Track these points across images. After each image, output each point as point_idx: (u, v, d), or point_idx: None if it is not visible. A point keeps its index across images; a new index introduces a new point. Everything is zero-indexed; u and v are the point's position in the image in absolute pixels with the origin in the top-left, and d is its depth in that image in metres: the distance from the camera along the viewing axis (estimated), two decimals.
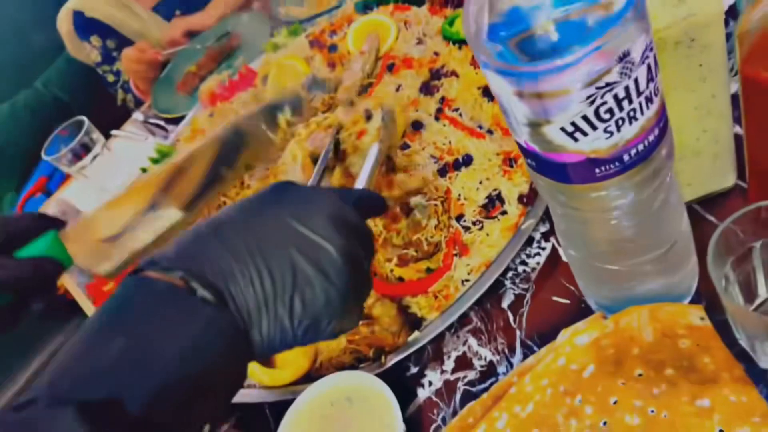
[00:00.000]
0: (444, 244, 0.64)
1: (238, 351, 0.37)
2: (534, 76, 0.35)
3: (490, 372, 0.60)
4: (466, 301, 0.62)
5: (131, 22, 1.46)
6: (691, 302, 0.54)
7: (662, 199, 0.46)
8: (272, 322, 0.38)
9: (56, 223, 0.51)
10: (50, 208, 1.27)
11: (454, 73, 0.77)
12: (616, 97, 0.36)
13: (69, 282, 0.88)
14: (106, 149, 1.18)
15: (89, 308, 0.87)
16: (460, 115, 0.74)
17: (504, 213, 0.66)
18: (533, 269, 0.65)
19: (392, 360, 0.62)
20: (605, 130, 0.38)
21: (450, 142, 0.69)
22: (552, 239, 0.66)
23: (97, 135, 1.18)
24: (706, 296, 0.54)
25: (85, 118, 1.16)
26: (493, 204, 0.66)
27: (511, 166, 0.69)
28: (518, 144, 0.43)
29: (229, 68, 1.28)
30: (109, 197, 1.06)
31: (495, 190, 0.67)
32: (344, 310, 0.40)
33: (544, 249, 0.66)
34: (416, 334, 0.62)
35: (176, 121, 1.24)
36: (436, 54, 0.80)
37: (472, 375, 0.61)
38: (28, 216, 0.52)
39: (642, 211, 0.45)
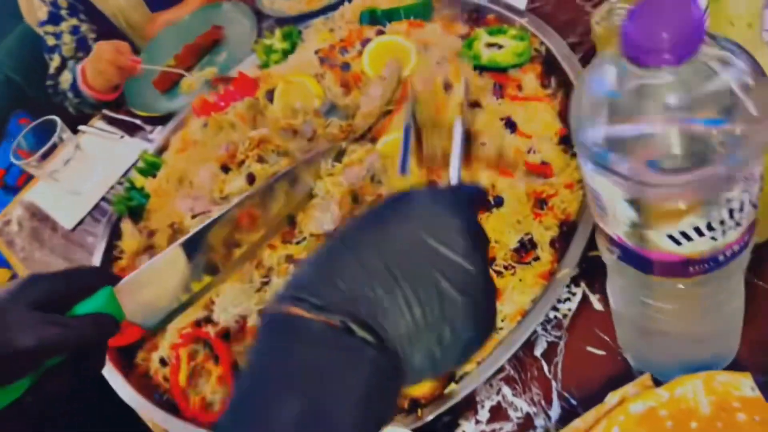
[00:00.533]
0: None
1: (397, 390, 0.35)
2: (655, 189, 0.34)
3: (527, 425, 0.60)
4: (502, 352, 0.61)
5: None
6: (734, 362, 0.55)
7: (735, 282, 0.46)
8: (424, 355, 0.35)
9: (112, 279, 0.50)
10: (16, 212, 1.18)
11: (477, 104, 0.75)
12: (731, 210, 0.35)
13: None
14: (78, 150, 1.10)
15: None
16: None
17: (536, 259, 0.65)
18: (564, 315, 0.65)
19: (429, 414, 0.61)
20: (711, 237, 0.37)
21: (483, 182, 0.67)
22: (582, 284, 0.66)
23: (68, 135, 1.09)
24: (752, 359, 0.55)
25: (57, 119, 1.07)
26: (525, 248, 0.65)
27: (542, 209, 0.68)
28: (601, 229, 0.42)
29: (212, 64, 1.21)
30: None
31: (527, 234, 0.66)
32: (489, 331, 0.38)
33: (574, 294, 0.66)
34: (453, 386, 0.61)
35: (155, 120, 1.16)
36: None
37: (509, 427, 0.61)
38: (86, 271, 0.50)
39: (715, 294, 0.45)
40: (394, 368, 0.34)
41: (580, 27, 0.89)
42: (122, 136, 1.17)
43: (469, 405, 0.63)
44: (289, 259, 0.69)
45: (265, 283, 0.70)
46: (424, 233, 0.36)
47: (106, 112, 1.25)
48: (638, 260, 0.41)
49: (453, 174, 0.50)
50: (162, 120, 1.16)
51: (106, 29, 1.37)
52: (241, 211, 0.57)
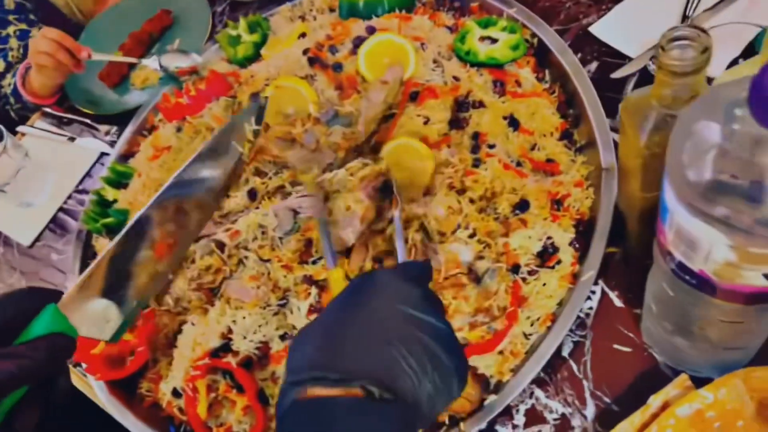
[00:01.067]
0: (509, 304, 0.63)
1: None
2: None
3: (564, 426, 0.62)
4: (537, 358, 0.63)
5: None
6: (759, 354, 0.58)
7: None
8: (426, 402, 0.40)
9: (53, 296, 0.47)
10: None
11: (481, 104, 0.74)
12: None
13: None
14: (27, 158, 1.00)
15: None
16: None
17: (559, 262, 0.66)
18: (587, 314, 0.67)
19: (472, 427, 0.61)
20: None
21: (504, 187, 0.67)
22: (601, 282, 0.68)
23: (12, 141, 0.99)
24: None
25: (2, 129, 0.96)
26: (548, 252, 0.66)
27: (558, 209, 0.68)
28: (679, 262, 0.43)
29: (164, 52, 1.12)
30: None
31: (549, 238, 0.66)
32: (466, 371, 0.44)
33: (594, 293, 0.68)
34: (493, 397, 0.62)
35: (104, 118, 1.07)
36: (456, 79, 0.76)
37: (546, 429, 0.63)
38: (18, 293, 0.47)
39: None
40: (413, 419, 0.39)
41: (561, 14, 0.89)
42: (72, 138, 1.07)
43: (504, 411, 0.64)
44: (307, 279, 0.66)
45: (282, 306, 0.67)
46: (398, 303, 0.42)
47: (46, 109, 1.14)
48: (708, 286, 0.42)
49: (400, 255, 0.60)
50: (114, 119, 1.07)
51: (59, 23, 1.23)
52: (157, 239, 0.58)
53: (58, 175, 1.03)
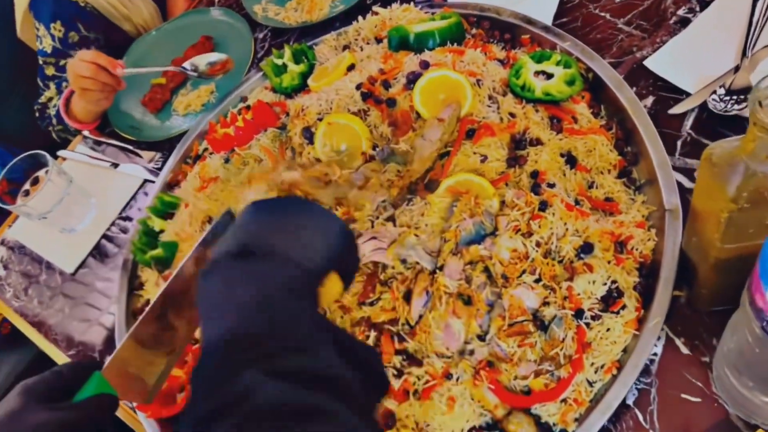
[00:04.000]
0: (575, 352, 0.61)
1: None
2: None
3: None
4: (602, 408, 0.61)
5: (118, 3, 1.23)
6: None
7: None
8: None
9: (95, 365, 0.54)
10: (2, 253, 1.07)
11: (538, 142, 0.73)
12: None
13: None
14: (71, 185, 0.99)
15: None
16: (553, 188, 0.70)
17: (624, 307, 0.64)
18: (651, 361, 0.65)
19: None
20: None
21: (567, 229, 0.65)
22: (665, 327, 0.66)
23: (57, 169, 0.98)
24: None
25: (46, 155, 0.96)
26: (612, 297, 0.64)
27: (622, 252, 0.67)
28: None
29: (210, 81, 1.12)
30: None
31: (613, 282, 0.65)
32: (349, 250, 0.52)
33: (659, 339, 0.66)
34: None
35: (149, 144, 1.07)
36: (512, 116, 0.75)
37: None
38: (72, 366, 0.54)
39: None
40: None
41: (614, 47, 0.87)
42: (115, 164, 1.07)
43: None
44: (365, 321, 0.65)
45: None
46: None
47: (86, 134, 1.15)
48: None
49: None
50: (156, 145, 1.07)
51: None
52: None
53: (101, 202, 1.03)
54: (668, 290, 0.64)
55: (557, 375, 0.63)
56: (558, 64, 0.79)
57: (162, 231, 0.88)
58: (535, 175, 0.71)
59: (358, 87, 0.80)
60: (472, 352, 0.62)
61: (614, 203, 0.71)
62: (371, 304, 0.66)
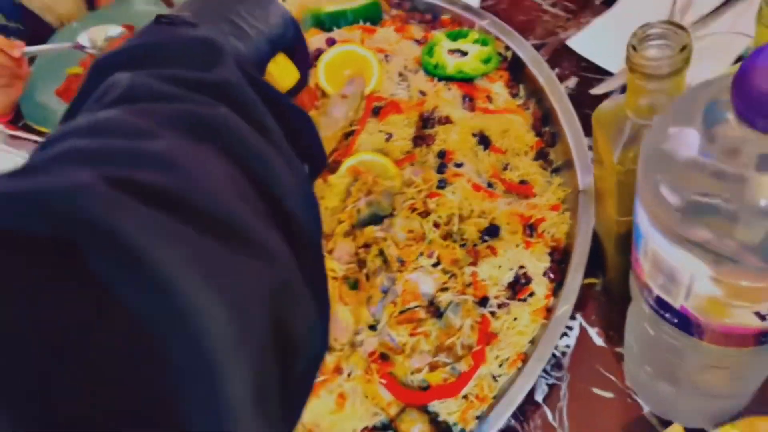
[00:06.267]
0: (476, 343, 0.56)
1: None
2: (757, 271, 0.28)
3: None
4: (504, 405, 0.55)
5: (55, 7, 1.16)
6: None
7: None
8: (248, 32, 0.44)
9: None
10: None
11: (448, 120, 0.68)
12: None
13: None
14: None
15: None
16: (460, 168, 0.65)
17: (532, 294, 0.59)
18: (563, 353, 0.60)
19: None
20: None
21: (472, 210, 0.60)
22: (579, 317, 0.61)
23: None
24: None
25: None
26: (519, 283, 0.59)
27: (531, 236, 0.62)
28: (659, 298, 0.36)
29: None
30: None
31: (521, 267, 0.60)
32: (294, 22, 0.48)
33: (571, 329, 0.61)
34: None
35: None
36: (423, 93, 0.70)
37: None
38: None
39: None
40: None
41: (538, 28, 0.83)
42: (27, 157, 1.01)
43: None
44: None
45: None
46: None
47: (2, 128, 1.08)
48: (691, 326, 0.35)
49: None
50: None
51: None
52: None
53: None
54: (579, 276, 0.59)
55: (458, 369, 0.57)
56: (475, 42, 0.75)
57: None
58: (442, 154, 0.65)
59: None
60: (362, 344, 0.56)
61: (529, 185, 0.66)
62: None
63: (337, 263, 0.56)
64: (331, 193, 0.64)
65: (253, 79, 0.36)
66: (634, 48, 0.37)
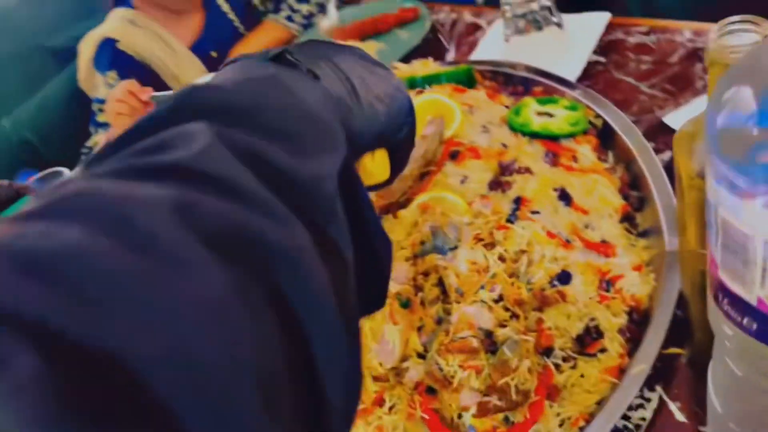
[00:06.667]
0: (533, 392, 0.50)
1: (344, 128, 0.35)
2: None
3: None
4: None
5: (168, 59, 1.31)
6: None
7: None
8: (362, 109, 0.38)
9: (29, 191, 0.51)
10: None
11: (528, 170, 0.66)
12: None
13: None
14: None
15: None
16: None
17: (603, 350, 0.53)
18: (638, 426, 0.52)
19: None
20: None
21: (543, 255, 0.56)
22: (658, 389, 0.54)
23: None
24: None
25: (64, 171, 1.00)
26: (590, 336, 0.54)
27: (608, 290, 0.57)
28: (734, 296, 0.31)
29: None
30: None
31: (592, 319, 0.54)
32: (411, 113, 0.44)
33: (648, 401, 0.53)
34: None
35: None
36: (504, 146, 0.70)
37: None
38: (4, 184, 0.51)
39: None
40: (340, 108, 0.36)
41: (635, 105, 0.82)
42: None
43: None
44: None
45: None
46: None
47: None
48: None
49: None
50: None
51: None
52: None
53: None
54: (659, 336, 0.53)
55: (511, 420, 0.51)
56: (565, 108, 0.75)
57: None
58: (518, 201, 0.63)
59: None
60: (407, 370, 0.52)
61: (610, 245, 0.62)
62: None
63: (392, 282, 0.54)
64: (398, 226, 0.63)
65: (351, 185, 0.30)
66: (716, 38, 0.35)
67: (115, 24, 1.34)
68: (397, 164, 0.45)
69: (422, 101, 0.72)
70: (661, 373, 0.54)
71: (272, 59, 0.36)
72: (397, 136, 0.43)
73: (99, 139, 1.30)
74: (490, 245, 0.56)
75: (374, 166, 0.42)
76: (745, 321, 0.31)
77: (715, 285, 0.33)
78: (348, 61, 0.41)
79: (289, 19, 1.29)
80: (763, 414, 0.37)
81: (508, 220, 0.58)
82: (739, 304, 0.31)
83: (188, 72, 1.36)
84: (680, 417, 0.52)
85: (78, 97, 1.48)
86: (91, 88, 1.39)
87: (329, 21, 1.19)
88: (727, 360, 0.38)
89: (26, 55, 1.66)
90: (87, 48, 1.36)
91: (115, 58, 1.29)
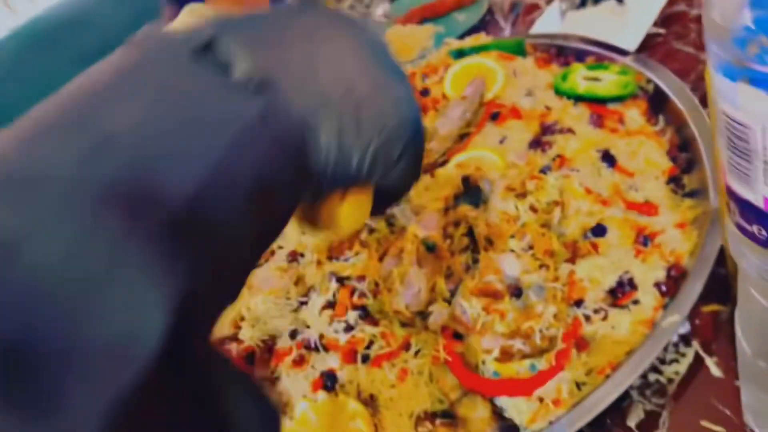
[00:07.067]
0: (560, 340, 0.50)
1: (296, 161, 0.27)
2: None
3: None
4: (582, 413, 0.47)
5: None
6: None
7: None
8: (333, 133, 0.28)
9: None
10: None
11: (569, 131, 0.65)
12: None
13: None
14: None
15: None
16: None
17: (636, 302, 0.52)
18: (670, 380, 0.50)
19: None
20: None
21: (579, 209, 0.56)
22: (694, 344, 0.52)
23: None
24: None
25: None
26: (623, 289, 0.53)
27: (645, 245, 0.55)
28: (742, 201, 0.30)
29: None
30: None
31: (626, 272, 0.53)
32: (416, 140, 0.32)
33: (684, 355, 0.51)
34: None
35: None
36: (548, 108, 0.69)
37: None
38: None
39: None
40: (292, 132, 0.27)
41: (692, 74, 0.79)
42: None
43: None
44: (331, 275, 0.59)
45: (303, 303, 0.60)
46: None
47: None
48: None
49: None
50: None
51: None
52: None
53: None
54: (696, 288, 0.51)
55: (537, 367, 0.51)
56: (615, 73, 0.73)
57: None
58: (557, 159, 0.63)
59: None
60: (431, 314, 0.53)
61: (653, 204, 0.60)
62: (346, 260, 0.61)
63: (420, 229, 0.55)
64: (435, 184, 0.63)
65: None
66: None
67: (185, 19, 1.42)
68: (385, 203, 0.35)
69: (465, 65, 0.72)
70: (699, 330, 0.52)
71: (199, 49, 0.26)
72: (389, 170, 0.31)
73: None
74: (522, 195, 0.56)
75: (342, 211, 0.32)
76: (755, 229, 0.30)
77: (727, 199, 0.32)
78: (335, 56, 0.30)
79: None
80: None
81: (542, 171, 0.58)
82: (749, 211, 0.30)
83: None
84: (716, 372, 0.50)
85: None
86: None
87: (383, 8, 1.21)
88: (750, 290, 0.37)
89: (108, 51, 1.78)
90: None
91: None
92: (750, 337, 0.40)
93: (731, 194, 0.31)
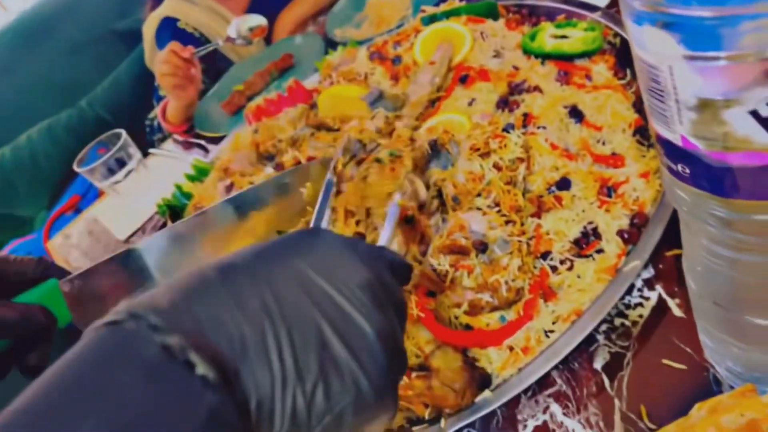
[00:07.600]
0: (527, 291, 0.52)
1: None
2: (734, 22, 0.24)
3: None
4: (550, 357, 0.50)
5: (223, 31, 1.40)
6: None
7: None
8: (286, 416, 0.28)
9: (57, 271, 0.47)
10: (78, 226, 1.20)
11: (537, 89, 0.67)
12: None
13: None
14: (142, 165, 1.10)
15: None
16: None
17: (600, 251, 0.54)
18: (634, 323, 0.52)
19: (454, 425, 0.49)
20: None
21: (544, 167, 0.57)
22: (658, 287, 0.54)
23: (133, 149, 1.10)
24: None
25: (122, 131, 1.09)
26: (587, 240, 0.54)
27: (609, 196, 0.57)
28: (665, 141, 0.32)
29: (279, 88, 1.21)
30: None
31: (590, 223, 0.55)
32: (375, 404, 0.31)
33: (647, 299, 0.53)
34: (486, 393, 0.50)
35: (217, 140, 1.16)
36: (516, 68, 0.70)
37: None
38: (28, 260, 0.47)
39: None
40: (244, 425, 0.27)
41: None
42: (186, 157, 1.17)
43: (509, 425, 0.51)
44: None
45: None
46: (318, 274, 0.31)
47: (176, 136, 1.28)
48: (711, 174, 0.30)
49: (383, 236, 0.51)
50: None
51: None
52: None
53: (166, 184, 1.11)
54: (656, 234, 0.53)
55: (506, 318, 0.53)
56: (582, 30, 0.74)
57: (189, 192, 0.92)
58: (524, 117, 0.64)
59: (368, 48, 0.80)
60: None
61: (620, 156, 0.62)
62: None
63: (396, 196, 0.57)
64: (398, 142, 0.65)
65: None
66: None
67: (172, 3, 1.43)
68: None
69: (433, 30, 0.73)
70: (663, 274, 0.54)
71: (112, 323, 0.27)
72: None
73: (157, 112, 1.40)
74: (486, 155, 0.58)
75: None
76: (680, 168, 0.32)
77: (656, 142, 0.33)
78: (307, 308, 0.30)
79: None
80: (733, 290, 0.37)
81: (505, 130, 0.59)
82: (672, 151, 0.32)
83: (249, 50, 1.43)
84: (678, 312, 0.51)
85: (145, 75, 1.59)
86: (153, 64, 1.49)
87: None
88: (689, 231, 0.38)
89: (97, 40, 1.80)
90: (149, 29, 1.46)
91: (174, 36, 1.37)
92: (696, 277, 0.41)
93: (657, 137, 0.32)
